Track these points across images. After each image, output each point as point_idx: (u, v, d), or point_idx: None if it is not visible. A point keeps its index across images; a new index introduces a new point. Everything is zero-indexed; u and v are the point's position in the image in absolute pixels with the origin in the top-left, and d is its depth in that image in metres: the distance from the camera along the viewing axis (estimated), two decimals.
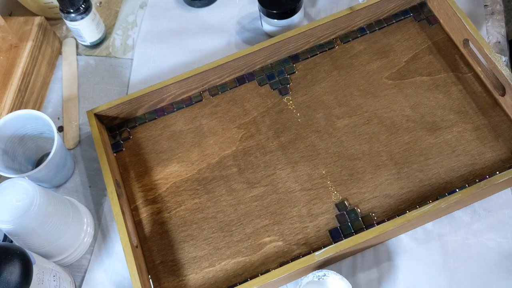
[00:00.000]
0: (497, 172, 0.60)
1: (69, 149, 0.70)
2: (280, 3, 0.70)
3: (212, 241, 0.61)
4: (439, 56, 0.69)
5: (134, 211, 0.64)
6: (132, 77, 0.75)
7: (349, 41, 0.72)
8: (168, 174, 0.66)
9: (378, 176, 0.62)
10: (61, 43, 0.79)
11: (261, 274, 0.58)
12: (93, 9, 0.74)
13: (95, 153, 0.68)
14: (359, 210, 0.60)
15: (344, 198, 0.61)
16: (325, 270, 0.53)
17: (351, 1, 0.77)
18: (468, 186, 0.59)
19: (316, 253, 0.54)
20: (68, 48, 0.78)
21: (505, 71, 0.61)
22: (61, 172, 0.65)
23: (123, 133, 0.69)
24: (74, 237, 0.60)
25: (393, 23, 0.72)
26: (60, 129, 0.72)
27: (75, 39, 0.79)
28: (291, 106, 0.68)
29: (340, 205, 0.61)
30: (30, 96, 0.71)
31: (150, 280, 0.60)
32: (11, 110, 0.67)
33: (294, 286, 0.58)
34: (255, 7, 0.78)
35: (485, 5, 0.73)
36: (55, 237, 0.57)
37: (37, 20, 0.74)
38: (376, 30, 0.72)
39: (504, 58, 0.68)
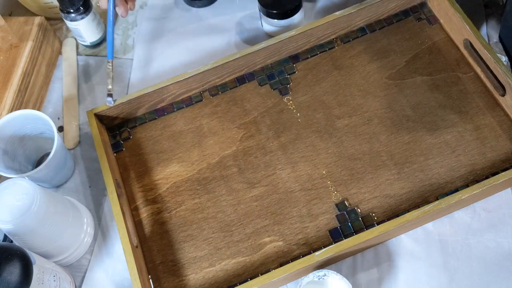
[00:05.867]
0: (497, 172, 0.60)
1: (69, 149, 0.70)
2: (280, 3, 0.70)
3: (212, 241, 0.61)
4: (439, 56, 0.69)
5: (134, 211, 0.64)
6: (132, 77, 0.75)
7: (349, 41, 0.72)
8: (168, 174, 0.66)
9: (378, 176, 0.62)
10: (61, 43, 0.79)
11: (261, 274, 0.58)
12: (93, 9, 0.74)
13: (95, 153, 0.68)
14: (359, 210, 0.60)
15: (344, 198, 0.61)
16: (325, 270, 0.53)
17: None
18: (468, 186, 0.59)
19: (316, 253, 0.54)
20: (68, 48, 0.78)
21: (505, 71, 0.61)
22: (61, 172, 0.65)
23: (123, 133, 0.69)
24: (74, 237, 0.60)
25: (393, 23, 0.72)
26: (60, 129, 0.72)
27: (75, 39, 0.79)
28: (291, 106, 0.68)
29: (340, 205, 0.61)
30: (30, 96, 0.71)
31: (150, 280, 0.60)
32: (11, 110, 0.67)
33: (294, 286, 0.58)
34: (255, 7, 0.78)
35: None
36: (55, 237, 0.57)
37: (37, 20, 0.74)
38: (376, 30, 0.72)
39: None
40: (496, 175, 0.56)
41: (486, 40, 0.68)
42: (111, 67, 0.65)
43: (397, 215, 0.59)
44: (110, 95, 0.66)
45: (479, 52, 0.64)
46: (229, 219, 0.62)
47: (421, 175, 0.61)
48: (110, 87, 0.65)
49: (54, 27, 0.80)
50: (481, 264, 0.57)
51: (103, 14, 0.81)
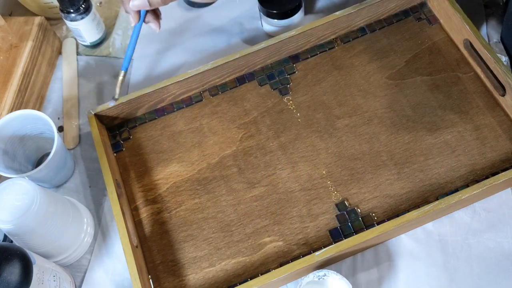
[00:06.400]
0: (497, 172, 0.60)
1: (69, 149, 0.70)
2: (280, 3, 0.70)
3: (212, 241, 0.61)
4: (439, 56, 0.69)
5: (134, 211, 0.64)
6: (132, 77, 0.75)
7: (349, 41, 0.72)
8: (168, 174, 0.66)
9: (378, 176, 0.62)
10: (61, 43, 0.79)
11: (261, 274, 0.58)
12: (93, 9, 0.74)
13: (95, 153, 0.68)
14: (359, 210, 0.60)
15: (344, 198, 0.61)
16: (325, 270, 0.53)
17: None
18: (468, 186, 0.59)
19: (316, 253, 0.54)
20: (68, 48, 0.78)
21: (505, 71, 0.61)
22: (61, 172, 0.65)
23: (123, 133, 0.69)
24: (74, 237, 0.60)
25: (393, 23, 0.72)
26: (60, 129, 0.72)
27: (75, 39, 0.79)
28: (291, 106, 0.68)
29: (340, 205, 0.61)
30: (30, 96, 0.71)
31: (150, 280, 0.60)
32: (11, 110, 0.66)
33: (294, 286, 0.58)
34: (255, 7, 0.78)
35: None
36: (55, 237, 0.57)
37: (37, 20, 0.74)
38: (376, 30, 0.72)
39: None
40: (496, 175, 0.56)
41: (486, 40, 0.68)
42: (122, 77, 0.65)
43: (397, 215, 0.59)
44: (114, 99, 0.66)
45: (479, 52, 0.64)
46: (229, 219, 0.62)
47: (421, 175, 0.61)
48: (117, 97, 0.65)
49: (54, 27, 0.80)
50: (481, 264, 0.57)
51: (103, 15, 0.81)
